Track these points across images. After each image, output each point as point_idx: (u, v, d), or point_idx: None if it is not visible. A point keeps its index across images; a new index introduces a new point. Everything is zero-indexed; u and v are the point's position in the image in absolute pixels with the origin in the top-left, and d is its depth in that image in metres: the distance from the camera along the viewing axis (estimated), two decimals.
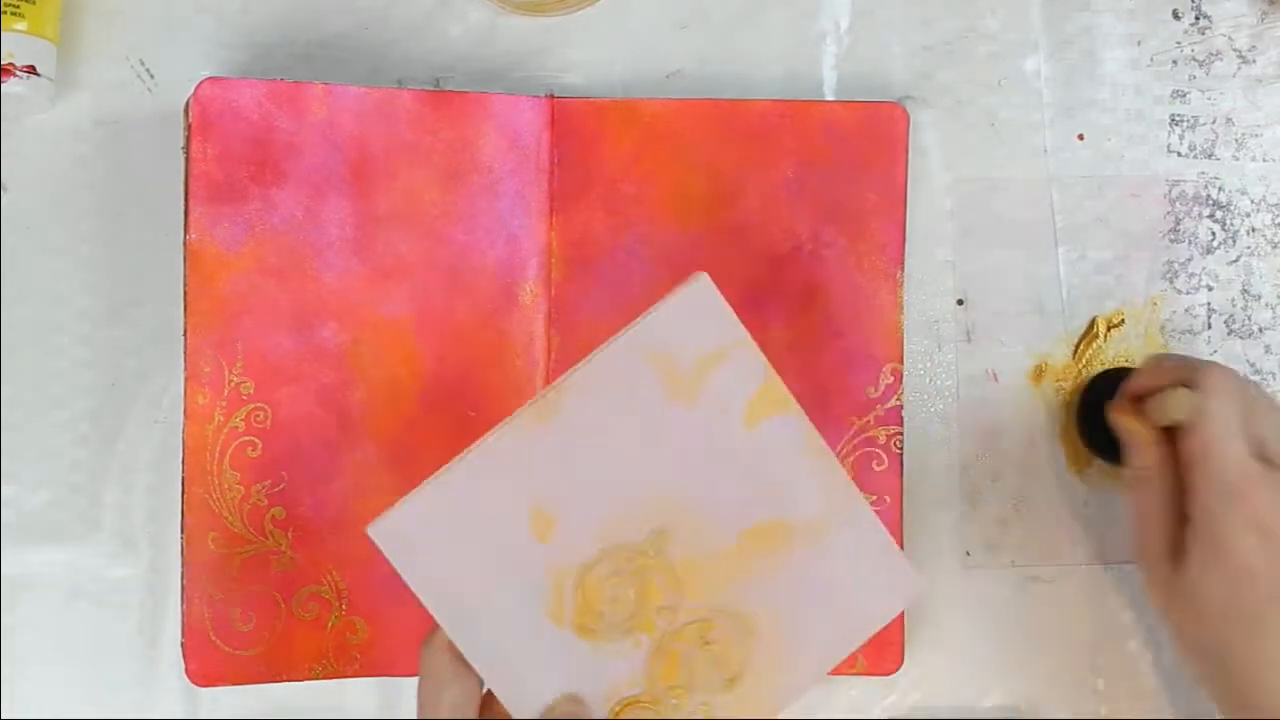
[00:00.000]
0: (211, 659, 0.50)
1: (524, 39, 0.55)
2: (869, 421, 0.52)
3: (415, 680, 0.45)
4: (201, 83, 0.49)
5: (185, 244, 0.50)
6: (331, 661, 0.50)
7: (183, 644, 0.50)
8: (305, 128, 0.50)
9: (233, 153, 0.49)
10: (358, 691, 0.53)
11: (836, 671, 0.51)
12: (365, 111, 0.50)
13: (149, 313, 0.53)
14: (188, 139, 0.50)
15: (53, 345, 0.53)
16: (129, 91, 0.54)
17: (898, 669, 0.52)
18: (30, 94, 0.51)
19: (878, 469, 0.52)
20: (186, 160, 0.50)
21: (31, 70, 0.51)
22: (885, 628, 0.51)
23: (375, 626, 0.50)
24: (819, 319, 0.52)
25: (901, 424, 0.53)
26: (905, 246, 0.53)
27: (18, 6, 0.50)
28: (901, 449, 0.53)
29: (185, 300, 0.50)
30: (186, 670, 0.50)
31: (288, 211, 0.50)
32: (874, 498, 0.52)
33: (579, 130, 0.52)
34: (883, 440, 0.52)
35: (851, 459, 0.52)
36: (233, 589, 0.50)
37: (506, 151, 0.51)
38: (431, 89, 0.53)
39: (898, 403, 0.52)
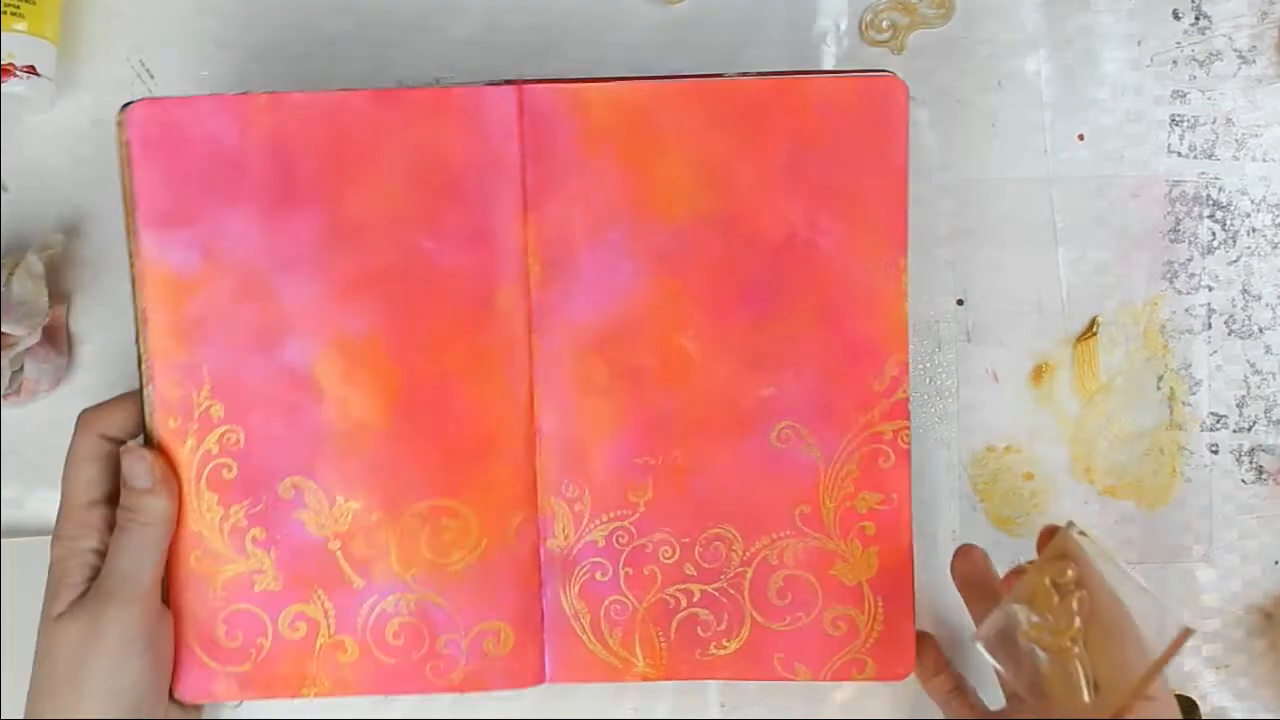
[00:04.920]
0: (198, 674, 0.49)
1: (524, 39, 0.55)
2: (874, 417, 0.50)
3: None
4: (134, 106, 0.47)
5: (136, 271, 0.47)
6: (323, 679, 0.49)
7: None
8: (251, 142, 0.47)
9: (177, 174, 0.47)
10: None
11: (844, 678, 0.50)
12: (315, 118, 0.47)
13: None
14: (124, 164, 0.47)
15: None
16: (129, 91, 0.54)
17: (907, 675, 0.51)
18: (30, 94, 0.51)
19: (884, 466, 0.50)
20: (125, 182, 0.47)
21: (31, 70, 0.51)
22: (895, 632, 0.50)
23: (364, 646, 0.49)
24: (818, 310, 0.49)
25: (908, 418, 0.50)
26: (908, 230, 0.49)
27: (18, 6, 0.50)
28: (909, 444, 0.50)
29: (143, 327, 0.47)
30: (175, 688, 0.49)
31: (241, 231, 0.48)
32: (880, 496, 0.50)
33: (550, 118, 0.48)
34: (889, 436, 0.50)
35: (856, 457, 0.50)
36: (217, 607, 0.49)
37: (472, 147, 0.48)
38: (397, 87, 0.50)
39: (904, 395, 0.50)
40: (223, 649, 0.49)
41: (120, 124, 0.47)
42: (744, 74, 0.49)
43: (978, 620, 0.49)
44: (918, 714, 0.55)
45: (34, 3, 0.51)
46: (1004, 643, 0.46)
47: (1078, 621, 0.45)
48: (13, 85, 0.51)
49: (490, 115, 0.48)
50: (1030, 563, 0.48)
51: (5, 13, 0.50)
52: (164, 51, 0.54)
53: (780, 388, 0.50)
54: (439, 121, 0.48)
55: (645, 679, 0.50)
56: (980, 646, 0.46)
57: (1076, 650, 0.45)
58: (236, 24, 0.54)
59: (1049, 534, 0.48)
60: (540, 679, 0.50)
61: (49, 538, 0.47)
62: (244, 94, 0.47)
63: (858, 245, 0.49)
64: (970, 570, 0.50)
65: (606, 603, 0.50)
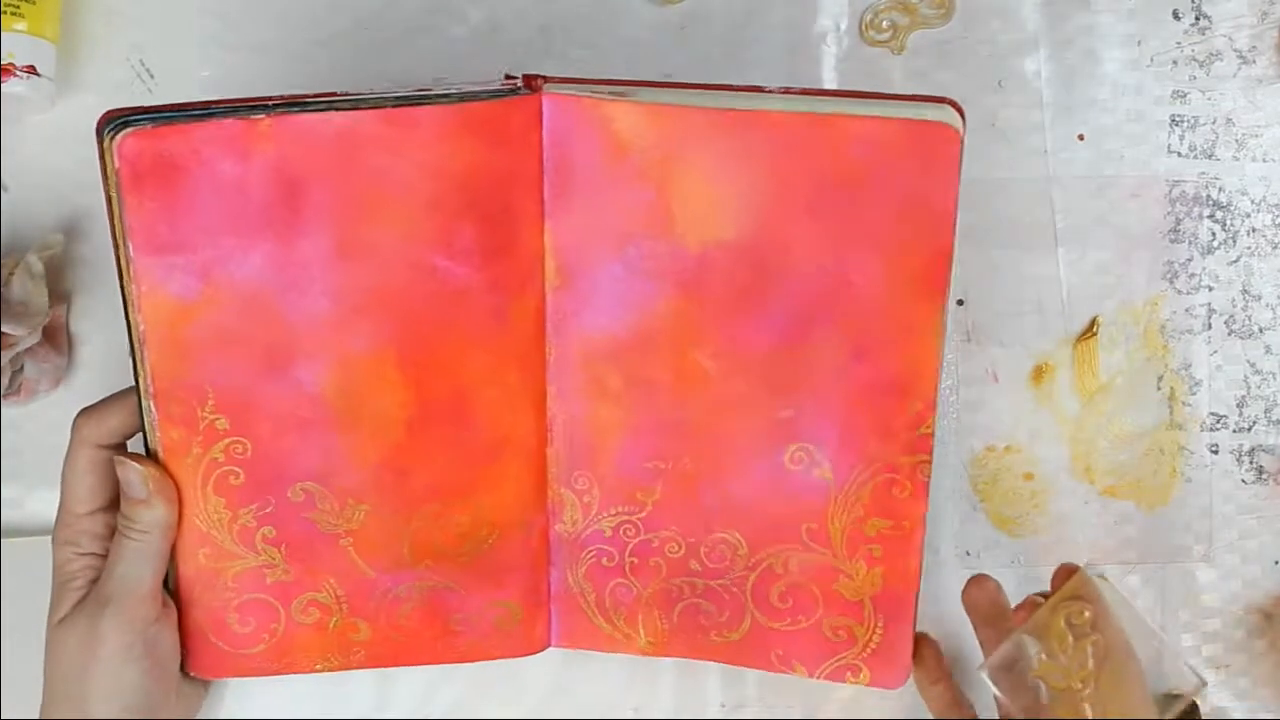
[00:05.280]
0: (213, 656, 0.49)
1: (524, 39, 0.55)
2: (893, 449, 0.48)
3: (413, 670, 0.46)
4: (126, 138, 0.42)
5: (130, 294, 0.44)
6: (335, 658, 0.50)
7: (182, 648, 0.49)
8: (253, 169, 0.43)
9: (174, 205, 0.43)
10: (355, 689, 0.53)
11: (839, 680, 0.51)
12: (320, 142, 0.44)
13: None
14: (112, 188, 0.44)
15: None
16: (129, 91, 0.54)
17: (900, 685, 0.51)
18: (30, 94, 0.51)
19: (899, 495, 0.48)
20: (112, 205, 0.44)
21: (31, 70, 0.51)
22: (893, 647, 0.50)
23: (378, 626, 0.50)
24: (844, 344, 0.47)
25: (930, 453, 0.48)
26: (951, 275, 0.46)
27: (18, 6, 0.50)
28: (928, 477, 0.48)
29: (140, 347, 0.45)
30: (189, 666, 0.49)
31: (244, 257, 0.44)
32: (891, 523, 0.48)
33: (572, 132, 0.45)
34: (907, 468, 0.48)
35: (870, 485, 0.48)
36: (229, 598, 0.48)
37: (490, 162, 0.45)
38: (398, 104, 0.44)
39: (927, 431, 0.47)
40: (236, 634, 0.49)
41: (106, 147, 0.43)
42: (788, 90, 0.45)
43: (986, 649, 0.49)
44: (918, 715, 0.55)
45: (34, 3, 0.51)
46: (1010, 673, 0.46)
47: (1091, 664, 0.45)
48: (13, 85, 0.50)
49: (510, 125, 0.45)
50: (1044, 596, 0.48)
51: (5, 13, 0.50)
52: (164, 51, 0.54)
53: (798, 411, 0.48)
54: (455, 140, 0.44)
55: (646, 654, 0.51)
56: (985, 676, 0.46)
57: (1086, 692, 0.45)
58: (237, 24, 0.54)
59: (1066, 572, 0.48)
60: (546, 644, 0.51)
61: (49, 537, 0.47)
62: (244, 119, 0.43)
63: (893, 286, 0.46)
64: (982, 599, 0.50)
65: (611, 585, 0.50)
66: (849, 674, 0.50)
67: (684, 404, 0.48)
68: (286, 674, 0.50)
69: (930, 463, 0.48)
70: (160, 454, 0.46)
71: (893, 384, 0.47)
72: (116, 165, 0.43)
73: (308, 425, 0.47)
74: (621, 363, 0.48)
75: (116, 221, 0.44)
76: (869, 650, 0.50)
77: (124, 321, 0.45)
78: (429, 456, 0.48)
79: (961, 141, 0.44)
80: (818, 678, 0.51)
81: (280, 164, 0.44)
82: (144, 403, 0.46)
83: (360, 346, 0.46)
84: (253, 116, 0.43)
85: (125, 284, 0.44)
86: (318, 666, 0.50)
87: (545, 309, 0.47)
